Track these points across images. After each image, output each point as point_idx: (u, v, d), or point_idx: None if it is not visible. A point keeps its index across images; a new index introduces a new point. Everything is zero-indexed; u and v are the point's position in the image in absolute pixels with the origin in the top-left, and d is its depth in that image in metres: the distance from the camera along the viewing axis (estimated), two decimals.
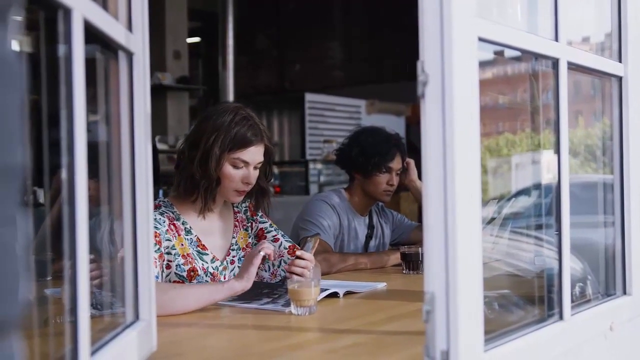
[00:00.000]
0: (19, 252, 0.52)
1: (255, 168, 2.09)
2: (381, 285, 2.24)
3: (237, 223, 2.23)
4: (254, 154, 2.07)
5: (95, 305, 1.30)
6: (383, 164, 2.83)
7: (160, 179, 3.97)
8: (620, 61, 1.72)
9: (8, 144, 0.52)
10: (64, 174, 0.94)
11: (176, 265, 2.02)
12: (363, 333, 1.60)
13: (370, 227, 2.99)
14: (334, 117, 7.76)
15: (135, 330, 1.25)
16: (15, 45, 0.55)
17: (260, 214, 2.28)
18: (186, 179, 2.07)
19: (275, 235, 2.25)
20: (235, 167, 2.06)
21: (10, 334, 0.52)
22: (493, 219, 1.85)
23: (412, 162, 2.95)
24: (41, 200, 2.17)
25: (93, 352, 1.02)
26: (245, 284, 1.84)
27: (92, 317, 1.01)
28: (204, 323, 1.74)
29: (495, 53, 1.36)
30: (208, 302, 1.85)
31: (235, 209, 2.25)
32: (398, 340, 1.54)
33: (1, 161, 0.50)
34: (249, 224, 2.26)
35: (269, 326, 1.68)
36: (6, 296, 0.51)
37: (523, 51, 1.42)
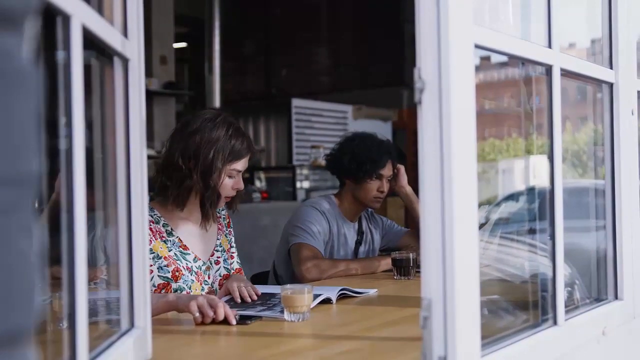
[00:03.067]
0: (34, 261, 0.52)
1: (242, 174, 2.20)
2: (373, 292, 2.24)
3: (220, 227, 2.31)
4: (246, 162, 2.19)
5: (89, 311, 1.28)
6: (374, 170, 2.82)
7: (148, 185, 3.97)
8: (611, 68, 1.74)
9: (24, 153, 0.51)
10: (62, 180, 0.93)
11: (159, 268, 2.06)
12: (358, 339, 1.60)
13: (360, 233, 2.99)
14: (320, 122, 7.74)
15: (131, 337, 1.24)
16: (29, 55, 0.55)
17: (231, 227, 2.38)
18: (184, 190, 2.10)
19: (234, 253, 2.35)
20: (230, 177, 2.15)
21: (25, 344, 0.51)
22: (482, 224, 1.86)
23: (402, 168, 2.95)
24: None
25: None
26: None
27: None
28: (199, 330, 1.73)
29: (482, 58, 1.37)
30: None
31: (216, 213, 2.31)
32: (393, 346, 1.54)
33: (18, 170, 0.50)
34: (226, 232, 2.35)
35: (262, 333, 1.68)
36: (22, 306, 0.50)
37: (518, 58, 1.43)
